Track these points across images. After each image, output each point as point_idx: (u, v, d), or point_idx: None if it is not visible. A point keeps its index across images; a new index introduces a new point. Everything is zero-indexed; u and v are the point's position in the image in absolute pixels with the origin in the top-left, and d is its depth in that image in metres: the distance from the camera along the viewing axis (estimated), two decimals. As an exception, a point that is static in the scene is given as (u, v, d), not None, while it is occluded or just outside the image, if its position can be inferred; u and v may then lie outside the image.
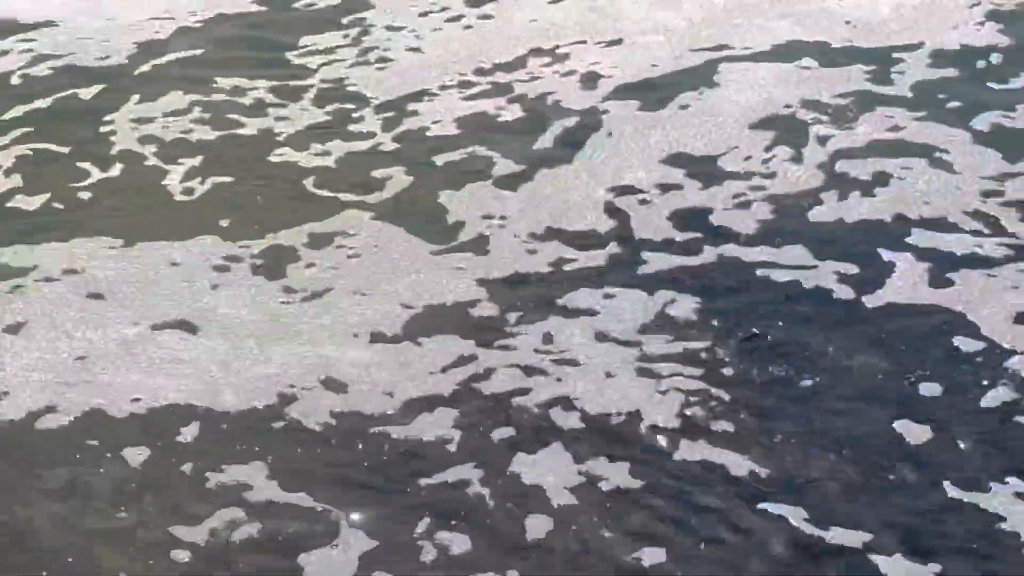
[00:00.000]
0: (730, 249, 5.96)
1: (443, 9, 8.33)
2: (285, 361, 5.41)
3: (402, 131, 6.95)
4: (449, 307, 5.69)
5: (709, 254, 5.93)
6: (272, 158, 6.76)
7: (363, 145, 6.84)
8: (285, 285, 5.84)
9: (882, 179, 6.36)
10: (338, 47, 7.87)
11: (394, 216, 6.26)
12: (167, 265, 5.99)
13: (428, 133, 6.93)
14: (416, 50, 7.82)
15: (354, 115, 7.11)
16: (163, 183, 6.61)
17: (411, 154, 6.75)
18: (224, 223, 6.25)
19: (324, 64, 7.64)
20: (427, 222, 6.22)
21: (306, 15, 8.30)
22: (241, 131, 7.00)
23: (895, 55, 7.44)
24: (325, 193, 6.47)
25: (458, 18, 8.21)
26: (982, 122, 6.78)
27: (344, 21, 8.22)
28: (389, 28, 8.12)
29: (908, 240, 5.94)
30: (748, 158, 6.58)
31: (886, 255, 5.87)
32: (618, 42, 7.79)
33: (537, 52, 7.71)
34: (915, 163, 6.44)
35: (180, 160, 6.77)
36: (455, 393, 5.24)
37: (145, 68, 7.72)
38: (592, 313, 5.59)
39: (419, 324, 5.59)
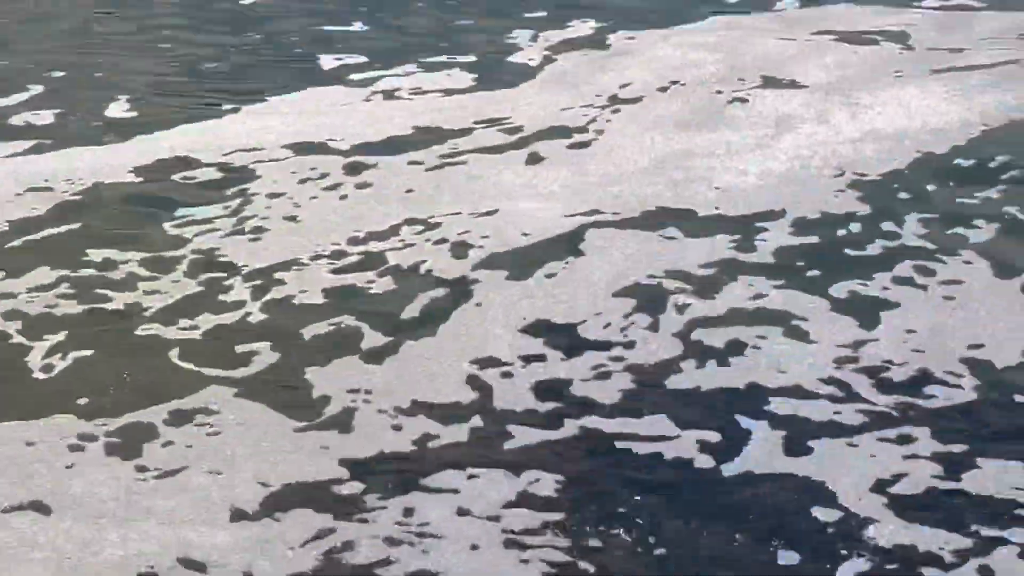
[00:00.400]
0: (592, 420, 6.01)
1: (322, 176, 8.41)
2: (142, 542, 5.33)
3: (271, 302, 6.96)
4: (310, 484, 5.66)
5: (571, 427, 5.97)
6: (139, 332, 6.72)
7: (231, 318, 6.83)
8: (140, 464, 5.77)
9: (738, 347, 6.47)
10: (216, 217, 7.89)
11: (258, 391, 6.24)
12: (21, 445, 5.90)
13: (297, 304, 6.95)
14: (292, 219, 7.87)
15: (224, 285, 7.11)
16: (24, 359, 6.54)
17: (279, 327, 6.75)
18: (83, 401, 6.18)
19: (199, 234, 7.65)
20: (291, 397, 6.20)
21: (187, 185, 8.33)
22: (108, 305, 6.96)
23: (758, 223, 7.61)
24: (189, 367, 6.44)
25: (336, 186, 8.29)
26: (839, 289, 6.93)
27: (228, 192, 8.25)
28: (269, 196, 8.17)
29: (765, 408, 6.03)
30: (608, 326, 6.66)
31: (744, 423, 5.94)
32: (493, 211, 7.90)
33: (412, 221, 7.80)
34: (771, 331, 6.56)
35: (43, 336, 6.71)
36: (317, 569, 5.19)
37: (15, 242, 7.68)
38: (455, 491, 5.59)
39: (278, 502, 5.54)
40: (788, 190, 8.01)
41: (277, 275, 7.20)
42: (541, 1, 11.52)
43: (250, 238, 7.62)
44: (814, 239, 7.45)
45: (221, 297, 7.01)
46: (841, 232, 7.53)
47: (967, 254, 7.21)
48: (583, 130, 9.04)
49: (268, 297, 7.00)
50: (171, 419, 6.05)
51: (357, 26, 10.99)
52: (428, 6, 11.47)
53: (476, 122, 9.24)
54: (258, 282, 7.13)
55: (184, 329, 6.74)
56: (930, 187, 8.01)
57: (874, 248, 7.34)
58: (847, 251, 7.33)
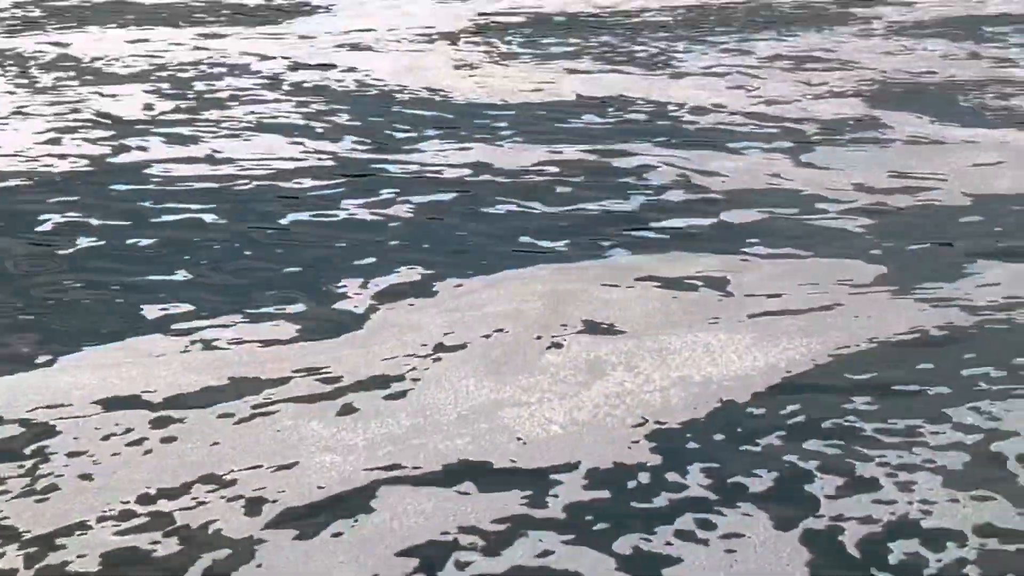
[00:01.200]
0: None
1: (127, 431, 8.29)
2: None
3: (44, 569, 6.74)
4: None
5: None
6: (-97, 603, 6.50)
7: (1, 587, 6.64)
8: None
9: (514, 610, 6.43)
10: (8, 477, 7.69)
11: (18, 665, 6.02)
12: None
13: (72, 571, 6.71)
14: (88, 477, 7.71)
15: (-1, 554, 6.92)
16: None
17: (51, 596, 6.57)
18: None
19: (-16, 496, 7.48)
20: (53, 670, 6.00)
21: (-17, 442, 8.17)
22: None
23: (554, 476, 7.63)
24: (-50, 641, 6.22)
25: (140, 441, 8.17)
26: (623, 545, 6.92)
27: (25, 451, 8.06)
28: (68, 454, 8.02)
29: (540, 672, 5.96)
30: (384, 591, 6.59)
31: None
32: (293, 464, 7.83)
33: (209, 477, 7.69)
34: (550, 591, 6.54)
35: None
36: None
37: None
38: None
39: None
40: (588, 441, 8.06)
41: (58, 540, 7.01)
42: (370, 248, 11.72)
43: (37, 500, 7.43)
44: (605, 492, 7.46)
45: (-7, 565, 6.83)
46: (631, 484, 7.56)
47: (746, 506, 7.28)
48: (400, 379, 9.07)
49: (43, 563, 6.80)
50: None
51: (181, 275, 11.03)
52: (256, 255, 11.57)
53: (294, 372, 9.23)
54: (34, 548, 6.94)
55: (-51, 600, 6.53)
56: (719, 436, 8.12)
57: (660, 500, 7.38)
58: (634, 504, 7.36)
